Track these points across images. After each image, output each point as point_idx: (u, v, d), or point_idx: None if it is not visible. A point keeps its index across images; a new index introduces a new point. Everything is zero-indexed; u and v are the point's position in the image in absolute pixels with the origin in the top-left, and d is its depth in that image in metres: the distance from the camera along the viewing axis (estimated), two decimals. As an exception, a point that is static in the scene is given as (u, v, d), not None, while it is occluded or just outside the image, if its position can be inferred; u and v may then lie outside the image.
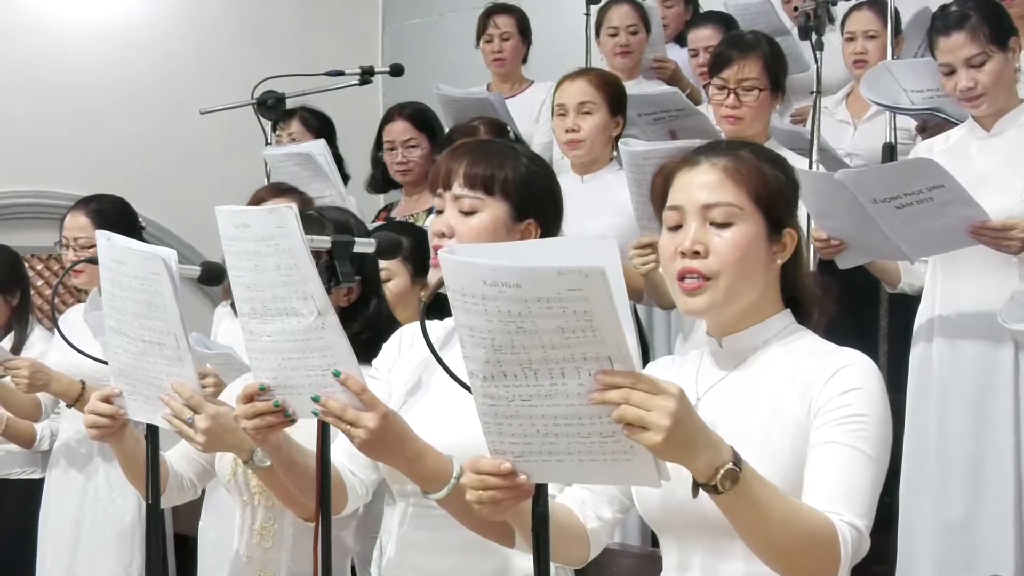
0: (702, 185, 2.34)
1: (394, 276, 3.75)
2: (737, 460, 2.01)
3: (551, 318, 1.87)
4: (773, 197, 2.34)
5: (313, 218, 3.12)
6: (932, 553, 4.01)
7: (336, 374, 2.44)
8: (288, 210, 2.45)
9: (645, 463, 1.96)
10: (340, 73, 5.77)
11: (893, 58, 5.11)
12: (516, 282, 1.87)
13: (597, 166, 4.72)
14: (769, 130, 4.67)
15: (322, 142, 5.50)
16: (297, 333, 2.48)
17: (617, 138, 4.73)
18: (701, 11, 6.80)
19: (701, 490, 2.02)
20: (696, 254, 2.30)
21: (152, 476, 2.93)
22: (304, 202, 4.12)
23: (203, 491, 3.62)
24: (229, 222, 2.53)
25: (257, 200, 4.14)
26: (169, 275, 2.69)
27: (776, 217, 2.34)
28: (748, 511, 2.06)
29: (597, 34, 6.19)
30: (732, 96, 4.55)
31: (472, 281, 1.91)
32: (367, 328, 3.13)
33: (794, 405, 2.27)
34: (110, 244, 2.82)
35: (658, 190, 2.41)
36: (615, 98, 4.74)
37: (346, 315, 3.12)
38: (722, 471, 2.00)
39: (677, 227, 2.35)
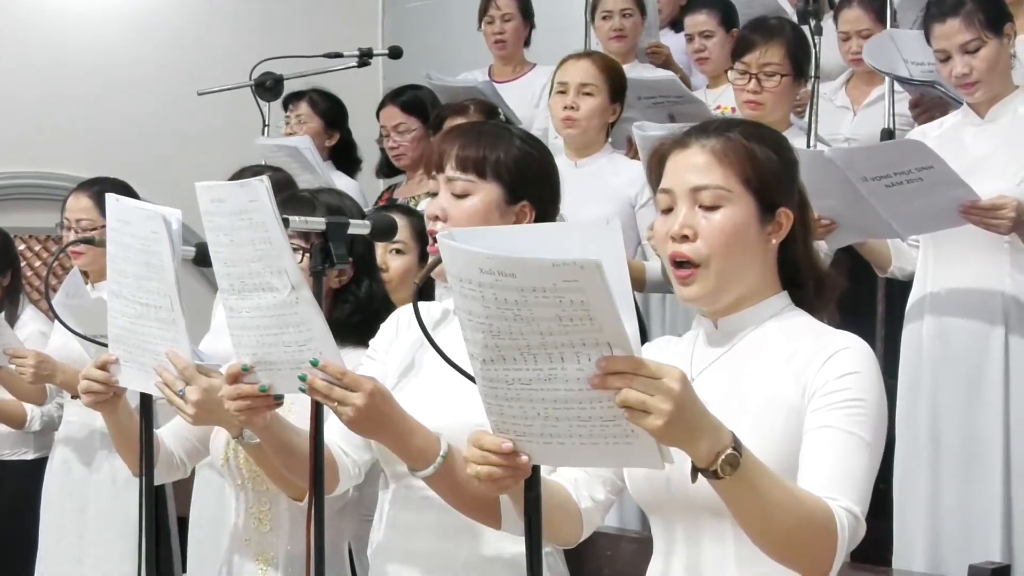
0: (691, 167, 2.33)
1: (408, 251, 3.76)
2: (737, 445, 1.99)
3: (548, 307, 1.85)
4: (764, 178, 2.32)
5: (305, 199, 3.09)
6: (926, 537, 4.01)
7: (314, 363, 2.40)
8: (259, 183, 2.42)
9: (647, 446, 1.94)
10: (339, 55, 5.75)
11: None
12: (512, 272, 1.84)
13: (591, 150, 4.72)
14: (791, 117, 4.65)
15: (307, 138, 5.53)
16: (273, 308, 2.46)
17: (612, 124, 4.73)
18: None
19: (700, 475, 2.00)
20: (685, 238, 2.30)
21: (145, 446, 2.92)
22: (286, 182, 4.09)
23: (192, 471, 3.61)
24: (207, 197, 2.52)
25: (238, 177, 4.12)
26: (168, 234, 2.67)
27: (768, 198, 2.32)
28: (747, 496, 2.04)
29: (592, 18, 6.15)
30: (753, 81, 4.54)
31: (469, 268, 1.88)
32: (359, 310, 3.12)
33: (788, 387, 2.26)
34: (118, 204, 2.82)
35: (653, 172, 2.41)
36: (616, 85, 4.74)
37: (338, 297, 3.13)
38: (723, 456, 1.97)
39: (669, 210, 2.34)
